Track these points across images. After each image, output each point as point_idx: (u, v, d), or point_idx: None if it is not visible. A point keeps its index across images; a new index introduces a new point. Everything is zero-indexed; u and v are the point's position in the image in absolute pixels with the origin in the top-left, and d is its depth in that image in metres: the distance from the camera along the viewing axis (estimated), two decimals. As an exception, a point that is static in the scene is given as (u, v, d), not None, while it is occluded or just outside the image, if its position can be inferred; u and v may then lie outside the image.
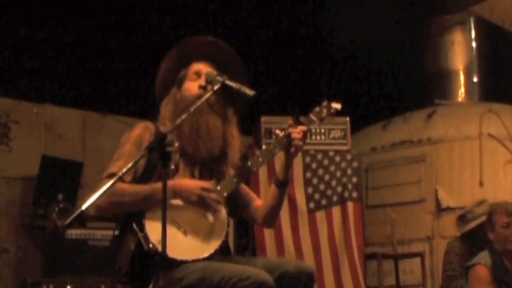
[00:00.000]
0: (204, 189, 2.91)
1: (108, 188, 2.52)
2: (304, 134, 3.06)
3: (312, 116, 3.17)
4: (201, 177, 3.05)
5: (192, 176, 3.03)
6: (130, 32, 6.72)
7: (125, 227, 2.89)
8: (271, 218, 3.20)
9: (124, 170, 2.58)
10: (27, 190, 6.56)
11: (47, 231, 6.16)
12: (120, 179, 2.61)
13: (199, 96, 2.97)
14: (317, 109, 3.19)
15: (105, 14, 6.56)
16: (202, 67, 3.11)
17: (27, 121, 6.88)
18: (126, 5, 6.69)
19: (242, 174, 3.05)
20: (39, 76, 6.65)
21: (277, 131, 3.13)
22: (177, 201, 2.88)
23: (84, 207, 2.44)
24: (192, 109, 2.84)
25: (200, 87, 3.03)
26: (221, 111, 3.10)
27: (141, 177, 2.94)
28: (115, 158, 2.96)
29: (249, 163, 3.05)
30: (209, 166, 3.08)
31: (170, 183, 2.73)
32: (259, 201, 3.21)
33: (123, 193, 2.83)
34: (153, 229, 2.78)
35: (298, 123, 3.08)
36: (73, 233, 5.83)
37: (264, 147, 2.89)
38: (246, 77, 3.16)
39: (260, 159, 3.06)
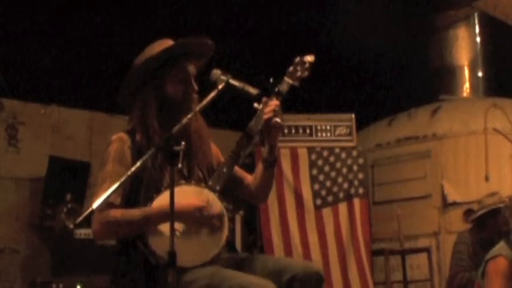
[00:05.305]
0: (200, 209, 2.82)
1: (103, 218, 2.70)
2: (277, 108, 2.96)
3: (287, 78, 3.04)
4: (190, 173, 2.99)
5: (181, 173, 2.96)
6: (137, 32, 6.73)
7: (128, 243, 2.85)
8: (263, 195, 3.18)
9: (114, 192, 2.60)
10: (36, 191, 6.60)
11: (56, 231, 6.20)
12: (112, 205, 2.70)
13: (194, 100, 2.96)
14: (291, 69, 3.07)
15: (112, 14, 6.57)
16: (191, 69, 3.01)
17: (34, 122, 6.92)
18: (133, 5, 6.71)
19: (232, 162, 2.98)
20: (46, 77, 6.67)
21: (256, 105, 3.03)
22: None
23: (94, 206, 2.47)
24: (197, 108, 2.83)
25: (196, 92, 2.99)
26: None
27: (129, 194, 2.86)
28: (100, 181, 2.86)
29: (236, 149, 2.97)
30: (193, 160, 3.02)
31: (164, 209, 2.67)
32: (249, 179, 3.17)
33: (118, 224, 2.78)
34: (157, 242, 2.75)
35: (273, 94, 2.99)
36: (82, 232, 5.86)
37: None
38: None
39: (244, 141, 2.96)
